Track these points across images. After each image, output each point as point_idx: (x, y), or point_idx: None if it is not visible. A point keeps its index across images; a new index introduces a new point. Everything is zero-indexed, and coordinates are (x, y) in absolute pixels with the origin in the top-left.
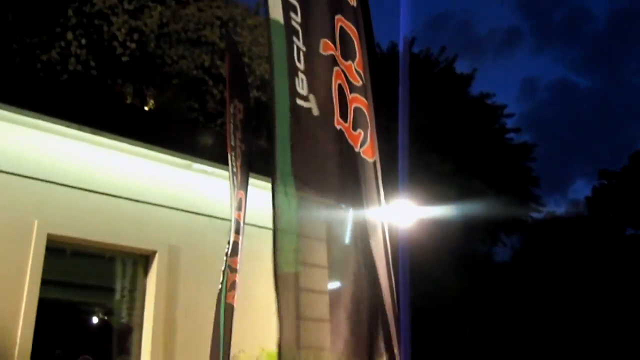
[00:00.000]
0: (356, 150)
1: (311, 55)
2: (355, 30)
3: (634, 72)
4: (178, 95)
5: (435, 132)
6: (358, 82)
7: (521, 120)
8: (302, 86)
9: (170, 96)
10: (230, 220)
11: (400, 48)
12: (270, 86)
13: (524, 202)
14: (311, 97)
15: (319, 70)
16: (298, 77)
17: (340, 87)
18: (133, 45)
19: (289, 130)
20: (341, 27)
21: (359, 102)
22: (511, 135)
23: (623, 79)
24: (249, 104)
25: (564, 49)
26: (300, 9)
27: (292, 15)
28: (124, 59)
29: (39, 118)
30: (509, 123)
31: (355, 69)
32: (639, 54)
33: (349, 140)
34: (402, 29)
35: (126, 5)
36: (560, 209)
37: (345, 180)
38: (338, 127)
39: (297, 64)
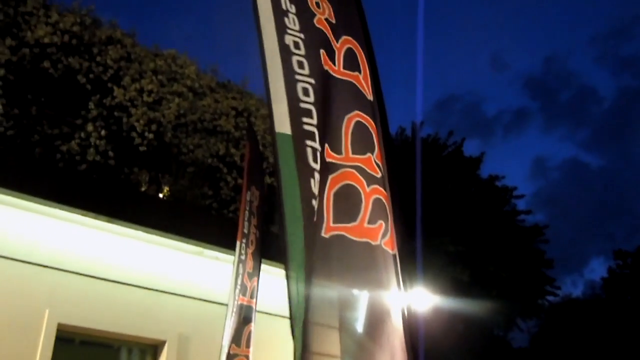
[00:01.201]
0: (375, 243)
1: (322, 156)
2: (373, 124)
3: None
4: (193, 182)
5: (446, 215)
6: (377, 174)
7: (533, 199)
8: (315, 187)
9: (185, 184)
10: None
11: (417, 151)
12: (279, 194)
13: (539, 285)
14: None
15: (322, 175)
16: (314, 177)
17: (343, 188)
18: (151, 136)
19: (301, 230)
20: (357, 122)
21: (378, 193)
22: (523, 216)
23: (633, 157)
24: (264, 191)
25: (572, 129)
26: (316, 111)
27: (305, 119)
28: (142, 148)
29: (56, 207)
30: (520, 205)
31: (375, 161)
32: None
33: (352, 242)
34: (418, 139)
35: (145, 98)
36: (577, 291)
37: (364, 273)
38: (329, 234)
39: (313, 164)
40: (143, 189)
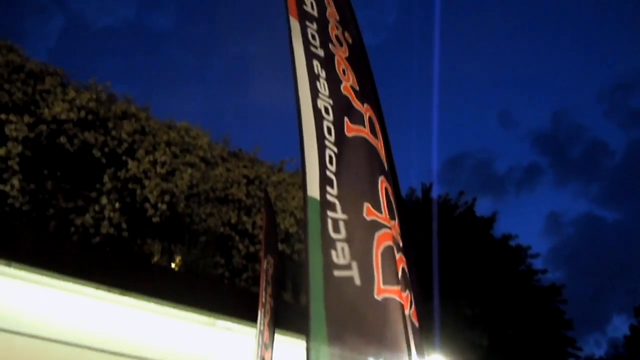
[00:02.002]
0: (406, 313)
1: (354, 223)
2: (392, 191)
3: None
4: (205, 252)
5: (461, 277)
6: (400, 243)
7: (549, 256)
8: (342, 256)
9: (197, 253)
10: None
11: (434, 214)
12: (305, 263)
13: (560, 348)
14: (353, 264)
15: (362, 237)
16: (336, 248)
17: (387, 249)
18: (164, 207)
19: (323, 303)
20: (385, 189)
21: (403, 262)
22: (539, 276)
23: None
24: (278, 259)
25: (585, 184)
26: (338, 181)
27: (329, 189)
28: (155, 219)
29: (70, 281)
30: (536, 263)
31: (396, 229)
32: None
33: (399, 305)
34: (434, 205)
35: (159, 169)
36: (600, 351)
37: (390, 344)
38: (380, 295)
39: (334, 234)
40: (155, 259)
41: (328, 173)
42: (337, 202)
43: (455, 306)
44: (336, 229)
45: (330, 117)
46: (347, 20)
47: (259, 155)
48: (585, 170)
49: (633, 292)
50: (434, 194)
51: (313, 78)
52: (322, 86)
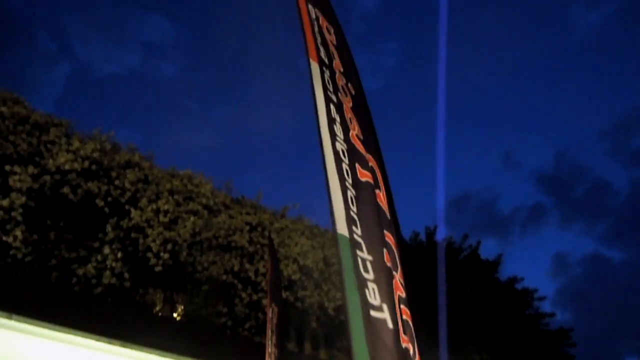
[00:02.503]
0: None
1: (377, 265)
2: (395, 242)
3: None
4: (207, 300)
5: (467, 322)
6: (403, 294)
7: (557, 297)
8: (374, 296)
9: (199, 302)
10: None
11: (440, 260)
12: (344, 301)
13: None
14: (384, 306)
15: (385, 281)
16: (368, 288)
17: (400, 299)
18: (166, 256)
19: (365, 342)
20: (387, 241)
21: (405, 314)
22: (547, 319)
23: None
24: (282, 308)
25: (590, 223)
26: (360, 221)
27: (354, 229)
28: (157, 269)
29: (71, 333)
30: (543, 306)
31: (399, 280)
32: None
33: (413, 356)
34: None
35: (162, 218)
36: None
37: None
38: (403, 344)
39: (365, 274)
40: (157, 309)
41: (352, 213)
42: (362, 242)
43: (463, 352)
44: (365, 269)
45: (347, 160)
46: (350, 72)
47: (261, 201)
48: (590, 210)
49: None
50: (438, 237)
51: (331, 121)
52: (338, 130)
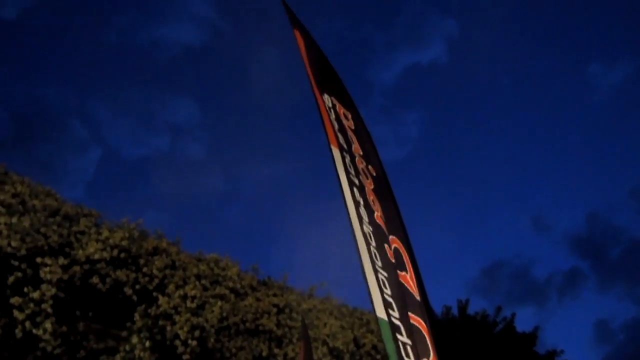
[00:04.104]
0: None
1: (416, 348)
2: (425, 325)
3: None
4: None
5: None
6: None
7: None
8: None
9: None
10: None
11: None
12: None
13: None
14: None
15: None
16: None
17: None
18: (194, 343)
19: None
20: (413, 324)
21: None
22: None
23: None
24: None
25: (630, 286)
26: (395, 303)
27: (391, 312)
28: (185, 357)
29: None
30: None
31: None
32: None
33: None
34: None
35: (189, 304)
36: None
37: None
38: None
39: (406, 359)
40: None
41: (386, 296)
42: (401, 325)
43: None
44: (407, 354)
45: (374, 243)
46: (369, 154)
47: (288, 282)
48: (628, 272)
49: None
50: (471, 309)
51: (356, 205)
52: (364, 213)
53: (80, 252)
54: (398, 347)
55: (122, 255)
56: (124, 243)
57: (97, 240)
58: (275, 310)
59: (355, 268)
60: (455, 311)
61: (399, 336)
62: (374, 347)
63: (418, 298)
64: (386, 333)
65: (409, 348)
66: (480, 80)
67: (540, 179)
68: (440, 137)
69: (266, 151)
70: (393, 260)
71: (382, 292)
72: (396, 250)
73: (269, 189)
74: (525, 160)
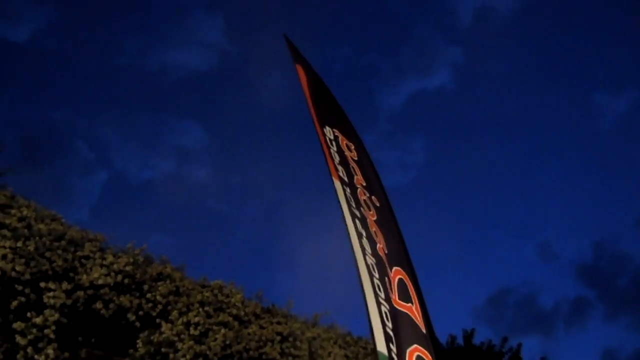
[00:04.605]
0: None
1: None
2: (431, 358)
3: None
4: None
5: None
6: None
7: None
8: None
9: None
10: None
11: None
12: None
13: None
14: None
15: None
16: None
17: None
18: None
19: None
20: (418, 356)
21: None
22: None
23: None
24: None
25: (636, 315)
26: (395, 337)
27: (391, 346)
28: None
29: None
30: None
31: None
32: None
33: None
34: None
35: (192, 331)
36: None
37: None
38: None
39: None
40: None
41: (387, 330)
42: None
43: None
44: None
45: (377, 275)
46: (373, 184)
47: (292, 309)
48: (635, 301)
49: None
50: (477, 339)
51: (359, 236)
52: (366, 244)
53: (85, 277)
54: None
55: (126, 280)
56: (129, 268)
57: (101, 266)
58: (279, 338)
59: (358, 296)
60: (460, 341)
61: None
62: None
63: (424, 330)
64: None
65: None
66: (485, 107)
67: (547, 207)
68: (445, 163)
69: (273, 176)
70: (396, 292)
71: (384, 325)
72: (400, 282)
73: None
74: (532, 188)
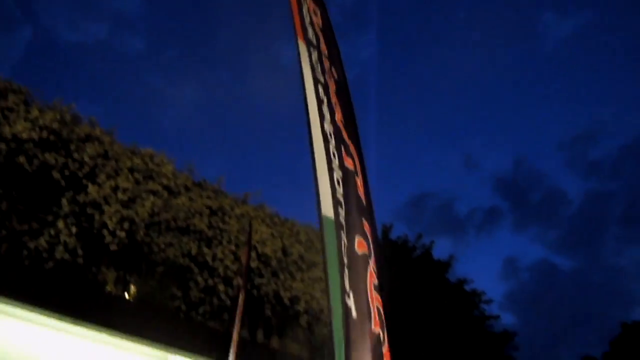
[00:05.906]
0: (383, 351)
1: (350, 251)
2: (370, 230)
3: (613, 253)
4: (162, 283)
5: (414, 322)
6: (376, 281)
7: (504, 301)
8: (347, 282)
9: (153, 284)
10: None
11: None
12: (325, 282)
13: None
14: (351, 294)
15: (359, 269)
16: (345, 273)
17: (373, 286)
18: (122, 234)
19: (342, 329)
20: (364, 229)
21: (378, 301)
22: (492, 322)
23: (602, 260)
24: (249, 297)
25: (543, 230)
26: (344, 202)
27: (340, 210)
28: (112, 247)
29: (19, 307)
30: (490, 309)
31: (373, 268)
32: (617, 235)
33: (381, 342)
34: None
35: (120, 196)
36: None
37: None
38: (375, 330)
39: (344, 258)
40: (109, 288)
41: (338, 195)
42: (346, 224)
43: (407, 352)
44: (344, 253)
45: (333, 142)
46: (334, 56)
47: (222, 186)
48: (543, 217)
49: (581, 342)
50: (394, 233)
51: (319, 102)
52: (326, 111)
53: (7, 129)
54: (340, 245)
55: (52, 137)
56: (55, 125)
57: (25, 119)
58: (208, 211)
59: (293, 183)
60: (379, 234)
61: (342, 234)
62: (301, 256)
63: (365, 204)
64: (329, 232)
65: (345, 249)
66: (431, 15)
67: (476, 120)
68: (388, 63)
69: (211, 52)
70: (348, 165)
71: (334, 190)
72: (351, 155)
73: (214, 93)
74: (464, 101)
